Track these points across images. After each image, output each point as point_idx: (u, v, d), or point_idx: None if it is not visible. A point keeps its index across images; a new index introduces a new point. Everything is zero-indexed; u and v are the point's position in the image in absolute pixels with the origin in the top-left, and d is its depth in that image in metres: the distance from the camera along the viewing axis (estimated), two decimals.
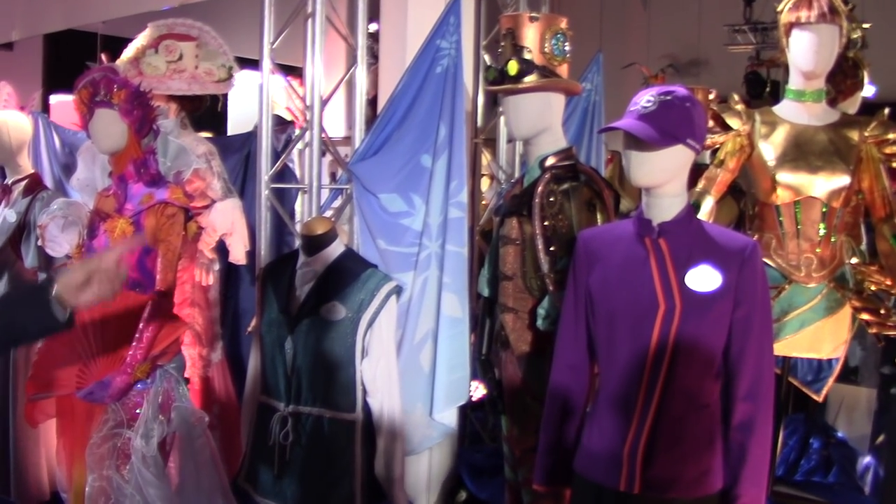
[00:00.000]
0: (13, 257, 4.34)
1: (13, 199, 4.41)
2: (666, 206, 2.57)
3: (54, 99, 9.21)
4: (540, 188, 3.20)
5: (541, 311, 3.18)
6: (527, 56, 3.24)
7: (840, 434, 5.15)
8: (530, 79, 3.23)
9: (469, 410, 4.75)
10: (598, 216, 3.20)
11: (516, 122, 3.31)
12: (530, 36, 3.25)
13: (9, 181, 4.49)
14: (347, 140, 7.99)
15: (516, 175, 5.19)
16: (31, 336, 2.18)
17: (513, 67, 3.23)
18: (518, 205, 3.29)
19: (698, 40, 12.60)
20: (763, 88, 11.26)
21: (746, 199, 4.04)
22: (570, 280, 2.75)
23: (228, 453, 4.16)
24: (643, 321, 2.52)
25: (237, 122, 9.57)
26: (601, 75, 5.34)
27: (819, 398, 4.14)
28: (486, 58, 5.27)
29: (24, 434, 4.27)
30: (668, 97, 2.51)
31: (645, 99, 2.52)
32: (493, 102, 5.63)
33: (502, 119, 5.35)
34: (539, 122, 3.29)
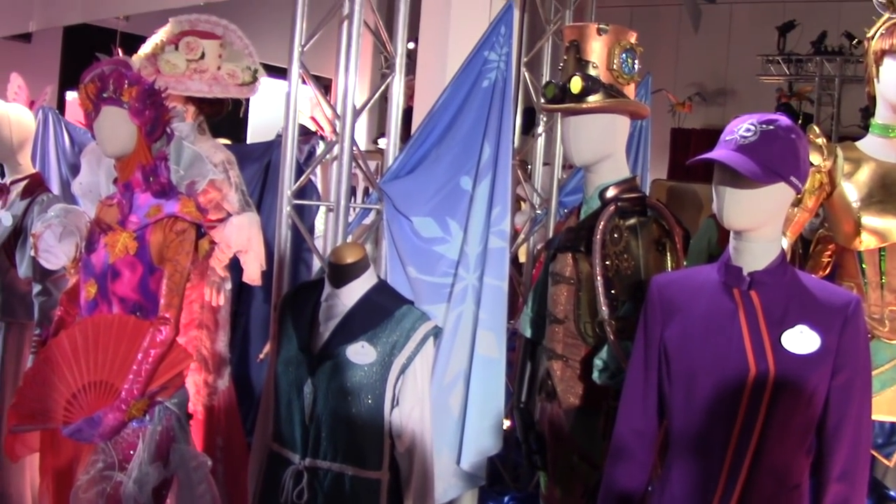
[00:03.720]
0: (6, 265, 4.03)
1: (10, 200, 4.09)
2: (759, 252, 2.24)
3: (70, 95, 9.08)
4: (602, 223, 2.87)
5: (598, 363, 2.85)
6: (592, 72, 2.93)
7: (892, 492, 4.85)
8: (595, 98, 2.91)
9: None
10: (668, 258, 2.89)
11: (577, 147, 2.98)
12: (597, 50, 2.94)
13: (7, 180, 4.16)
14: (372, 153, 7.79)
15: (553, 201, 4.91)
16: None
17: (576, 85, 2.89)
18: (574, 239, 2.97)
19: (727, 69, 12.45)
20: (795, 121, 11.00)
21: (797, 238, 3.73)
22: (640, 332, 2.40)
23: (232, 493, 3.85)
24: (730, 386, 2.20)
25: (258, 129, 9.36)
26: (649, 99, 5.02)
27: (890, 463, 3.81)
28: (527, 75, 4.99)
29: (7, 466, 3.93)
30: (771, 127, 2.19)
31: (744, 128, 2.18)
32: (528, 122, 5.37)
33: (539, 140, 5.08)
34: (602, 147, 2.97)
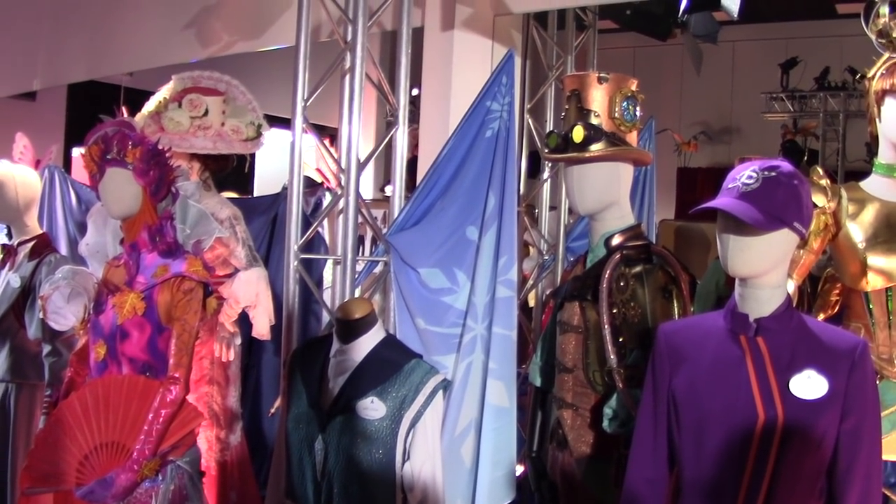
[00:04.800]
0: (16, 326, 4.02)
1: (18, 261, 4.09)
2: (765, 298, 2.24)
3: (76, 152, 9.06)
4: (608, 271, 2.86)
5: (607, 411, 2.83)
6: (594, 121, 2.93)
7: None
8: (598, 147, 2.91)
9: None
10: (675, 304, 2.87)
11: (581, 195, 2.98)
12: (598, 99, 2.95)
13: (14, 242, 4.16)
14: (379, 202, 7.79)
15: (560, 247, 4.90)
16: None
17: (578, 134, 2.90)
18: (581, 288, 2.96)
19: (731, 107, 12.48)
20: (801, 157, 11.04)
21: (805, 278, 3.70)
22: (648, 381, 2.39)
23: None
24: (739, 433, 2.18)
25: (264, 179, 9.38)
26: (653, 142, 5.02)
27: None
28: (530, 122, 5.01)
29: None
30: (773, 173, 2.19)
31: (746, 175, 2.18)
32: (534, 166, 5.38)
33: (545, 185, 5.09)
34: (606, 194, 2.97)
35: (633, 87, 3.01)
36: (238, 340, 3.81)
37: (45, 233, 4.33)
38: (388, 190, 10.41)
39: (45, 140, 5.98)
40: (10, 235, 4.41)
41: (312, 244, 4.27)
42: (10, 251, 4.15)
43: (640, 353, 2.78)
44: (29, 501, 3.12)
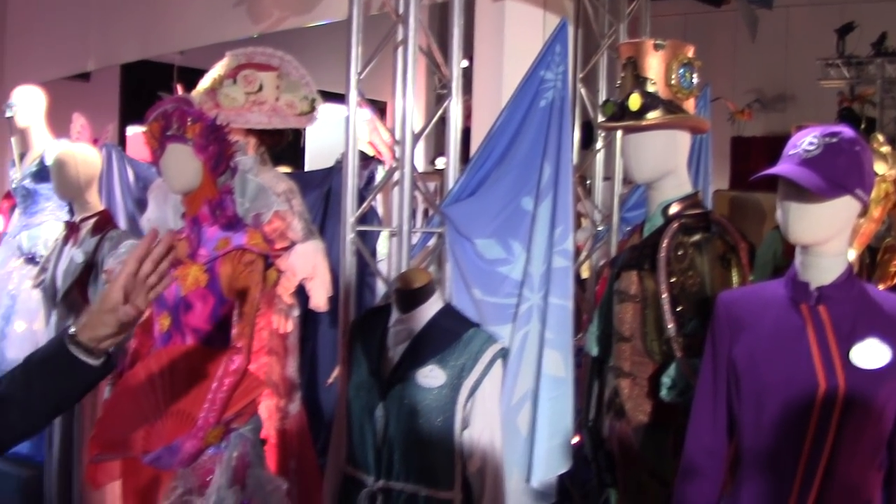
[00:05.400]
0: (80, 300, 4.10)
1: (81, 237, 4.17)
2: (826, 266, 2.21)
3: (130, 131, 9.18)
4: (666, 240, 2.85)
5: (665, 381, 2.82)
6: (650, 89, 2.91)
7: None
8: (654, 114, 2.90)
9: None
10: (734, 273, 2.85)
11: (638, 164, 2.97)
12: (654, 66, 2.93)
13: (76, 218, 4.24)
14: (430, 175, 7.80)
15: (614, 217, 4.87)
16: (74, 397, 1.94)
17: (635, 102, 2.89)
18: (639, 257, 2.95)
19: (786, 74, 12.26)
20: (858, 125, 10.83)
21: (864, 249, 3.66)
22: (707, 351, 2.39)
23: None
24: (800, 403, 2.16)
25: (315, 155, 9.43)
26: (708, 108, 4.96)
27: None
28: (583, 91, 4.98)
29: (89, 494, 4.00)
30: (835, 139, 2.16)
31: (807, 142, 2.16)
32: (587, 137, 5.35)
33: (598, 156, 5.06)
34: (663, 163, 2.96)
35: (690, 54, 2.98)
36: (296, 312, 3.84)
37: (106, 209, 4.41)
38: (439, 162, 10.44)
39: (100, 119, 6.04)
40: (71, 212, 4.49)
41: (365, 217, 4.30)
42: (72, 228, 4.24)
43: (698, 321, 2.76)
44: (97, 468, 3.21)
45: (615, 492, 3.19)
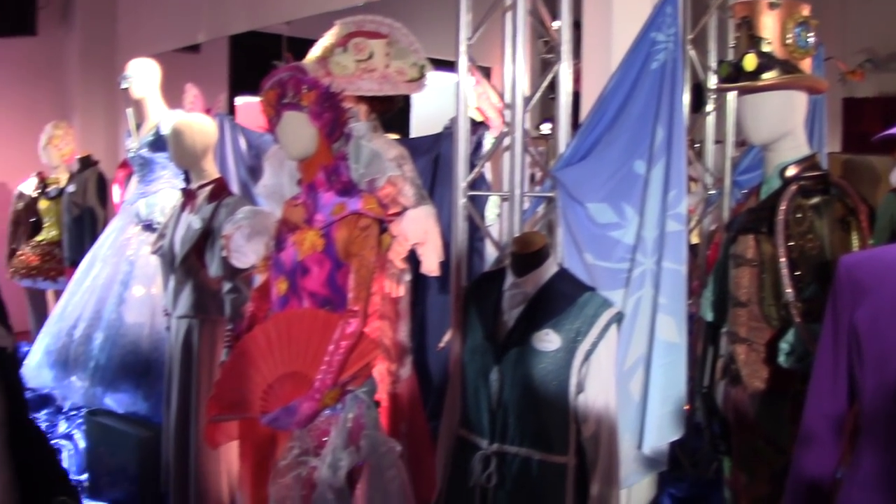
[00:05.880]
0: (197, 265, 4.20)
1: (198, 204, 4.26)
2: None
3: (240, 101, 9.36)
4: (785, 203, 2.79)
5: (784, 346, 2.77)
6: (766, 49, 2.84)
7: None
8: (770, 75, 2.83)
9: None
10: (854, 236, 2.77)
11: (755, 125, 2.91)
12: (769, 25, 2.85)
13: (193, 186, 4.35)
14: (536, 139, 7.78)
15: (726, 181, 4.79)
16: None
17: (750, 62, 2.83)
18: (755, 220, 2.90)
19: None
20: None
21: None
22: (828, 315, 2.32)
23: (417, 476, 3.92)
24: None
25: (420, 121, 9.48)
26: (822, 70, 4.82)
27: None
28: (692, 53, 4.89)
29: (205, 454, 4.12)
30: None
31: None
32: (697, 100, 5.26)
33: (709, 119, 4.97)
34: (780, 124, 2.89)
35: (805, 13, 2.90)
36: (408, 277, 3.87)
37: (222, 176, 4.48)
38: (544, 128, 10.33)
39: (211, 90, 6.18)
40: (187, 180, 4.61)
41: (475, 183, 4.31)
42: (190, 195, 4.33)
43: (817, 286, 2.71)
44: (216, 428, 3.29)
45: (728, 459, 3.15)
